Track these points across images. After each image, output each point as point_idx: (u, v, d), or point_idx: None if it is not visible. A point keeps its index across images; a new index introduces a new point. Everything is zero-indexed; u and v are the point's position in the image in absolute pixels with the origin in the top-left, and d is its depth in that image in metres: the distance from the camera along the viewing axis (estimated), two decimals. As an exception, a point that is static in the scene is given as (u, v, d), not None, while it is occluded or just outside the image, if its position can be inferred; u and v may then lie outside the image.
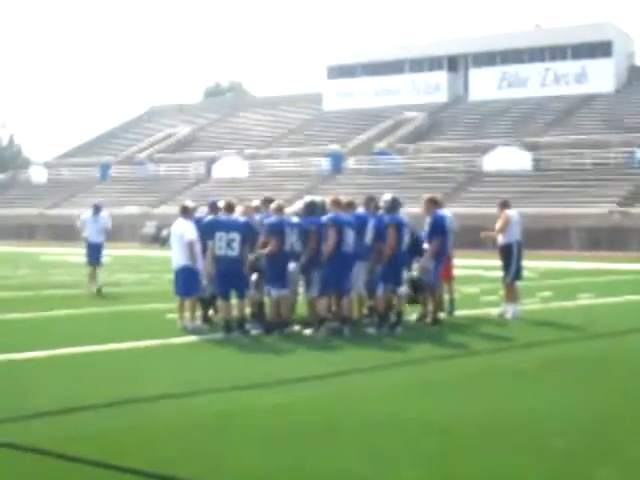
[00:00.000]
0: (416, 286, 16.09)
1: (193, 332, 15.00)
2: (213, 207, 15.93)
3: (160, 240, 50.45)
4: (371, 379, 11.14)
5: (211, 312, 16.28)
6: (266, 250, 14.85)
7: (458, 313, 17.55)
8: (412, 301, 16.28)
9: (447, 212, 17.74)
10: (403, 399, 9.75)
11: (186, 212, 15.91)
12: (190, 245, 15.48)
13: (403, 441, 7.89)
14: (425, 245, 16.41)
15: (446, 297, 17.50)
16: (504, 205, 18.20)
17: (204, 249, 15.36)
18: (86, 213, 24.25)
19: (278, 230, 14.89)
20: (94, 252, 23.33)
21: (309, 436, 8.08)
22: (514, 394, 10.04)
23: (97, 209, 23.88)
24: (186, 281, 15.50)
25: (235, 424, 8.58)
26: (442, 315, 16.86)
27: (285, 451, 7.55)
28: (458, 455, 7.42)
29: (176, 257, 15.75)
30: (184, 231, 15.51)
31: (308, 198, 15.93)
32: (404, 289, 15.60)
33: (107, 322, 16.69)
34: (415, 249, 16.05)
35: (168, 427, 8.43)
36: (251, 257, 15.00)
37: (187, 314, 15.56)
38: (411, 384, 10.65)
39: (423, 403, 9.52)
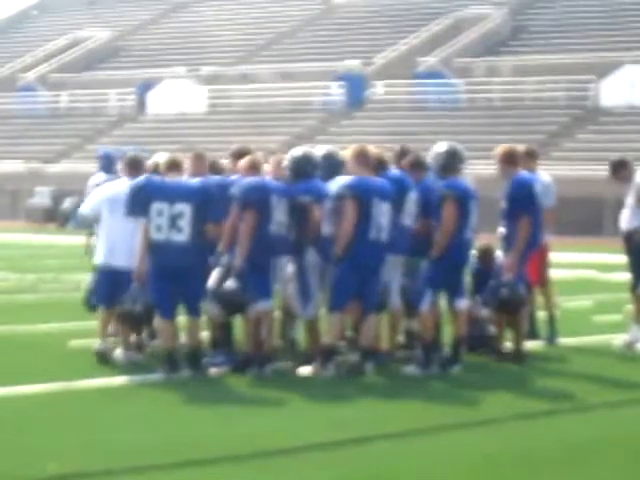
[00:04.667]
0: (506, 304, 11.79)
1: (120, 363, 11.12)
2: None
3: (59, 218, 42.15)
4: (408, 451, 8.31)
5: (144, 335, 12.01)
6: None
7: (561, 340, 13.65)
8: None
9: (543, 175, 13.04)
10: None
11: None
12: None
13: None
14: (500, 229, 12.05)
15: (540, 314, 13.33)
16: (622, 165, 13.04)
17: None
18: None
19: (258, 198, 10.75)
20: None
21: None
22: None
23: None
24: (110, 282, 11.34)
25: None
26: (531, 344, 12.83)
27: None
28: None
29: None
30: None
31: (298, 151, 11.64)
32: (465, 303, 11.36)
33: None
34: None
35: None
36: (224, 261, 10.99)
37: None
38: (475, 462, 7.88)
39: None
